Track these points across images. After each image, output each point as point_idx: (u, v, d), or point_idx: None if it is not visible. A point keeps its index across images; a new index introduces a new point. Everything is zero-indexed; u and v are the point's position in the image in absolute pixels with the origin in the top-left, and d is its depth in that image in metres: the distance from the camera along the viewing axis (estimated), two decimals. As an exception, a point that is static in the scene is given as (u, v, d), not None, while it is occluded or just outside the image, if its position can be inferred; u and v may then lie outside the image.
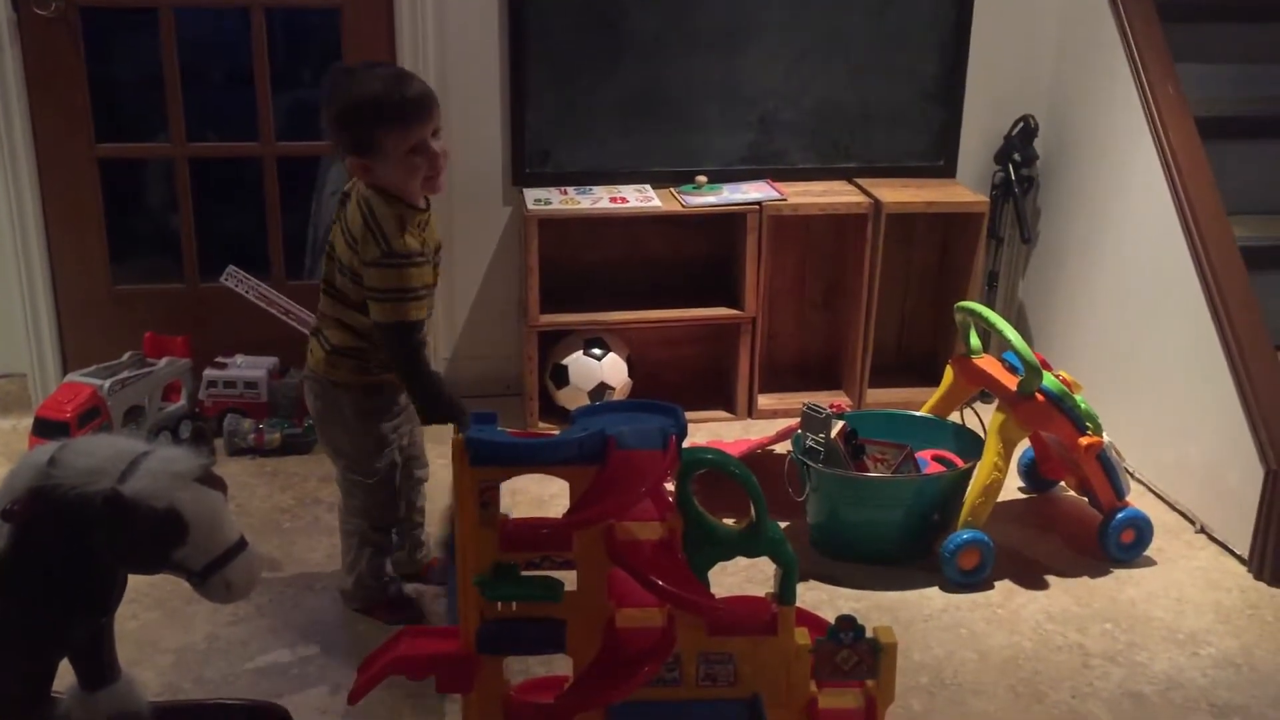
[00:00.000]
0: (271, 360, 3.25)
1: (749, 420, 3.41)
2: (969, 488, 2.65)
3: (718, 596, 1.79)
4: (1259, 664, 2.35)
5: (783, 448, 2.88)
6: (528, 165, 3.37)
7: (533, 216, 3.17)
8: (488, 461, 1.70)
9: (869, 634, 1.79)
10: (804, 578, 2.61)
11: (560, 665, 1.94)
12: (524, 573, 1.78)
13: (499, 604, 1.78)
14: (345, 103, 2.13)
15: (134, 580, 1.93)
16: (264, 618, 2.42)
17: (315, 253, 3.78)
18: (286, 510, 2.86)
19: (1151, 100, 2.97)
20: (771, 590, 1.82)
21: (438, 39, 3.23)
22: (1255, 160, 3.07)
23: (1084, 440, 2.64)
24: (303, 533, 2.76)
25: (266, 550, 2.61)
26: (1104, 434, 2.68)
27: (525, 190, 3.31)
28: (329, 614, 2.44)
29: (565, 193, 3.31)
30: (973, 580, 2.60)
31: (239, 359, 3.24)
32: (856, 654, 1.79)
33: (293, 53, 3.87)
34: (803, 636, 1.80)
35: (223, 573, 1.75)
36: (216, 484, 1.78)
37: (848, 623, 1.79)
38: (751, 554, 1.80)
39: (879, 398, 3.42)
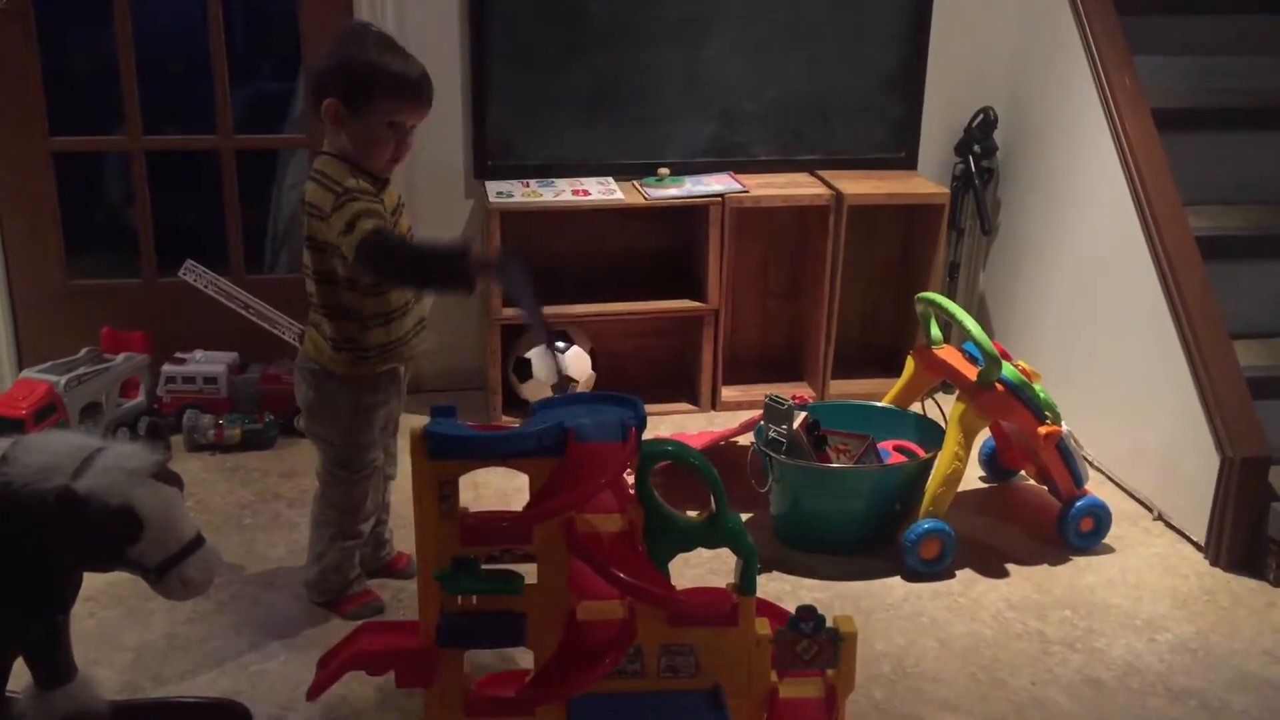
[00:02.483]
0: (231, 355, 3.22)
1: (712, 412, 3.41)
2: (930, 477, 2.67)
3: (679, 588, 1.79)
4: (1214, 648, 2.38)
5: (746, 439, 2.89)
6: (490, 158, 3.35)
7: (495, 209, 3.16)
8: (447, 455, 1.70)
9: (829, 624, 1.81)
10: (767, 568, 2.62)
11: (524, 659, 1.94)
12: (485, 566, 1.78)
13: (459, 598, 1.78)
14: (357, 53, 2.16)
15: (91, 578, 1.91)
16: (224, 614, 2.40)
17: (275, 246, 3.75)
18: (247, 506, 2.84)
19: (1108, 92, 2.99)
20: (732, 581, 1.82)
21: (398, 31, 3.19)
22: (1210, 151, 3.10)
23: (1042, 429, 2.66)
24: (263, 529, 2.73)
25: (226, 547, 2.59)
26: (1062, 423, 2.70)
27: (487, 183, 3.30)
28: (289, 610, 2.42)
29: (528, 185, 3.30)
30: (934, 569, 2.62)
31: (198, 354, 3.21)
32: (817, 644, 1.81)
33: (251, 45, 3.84)
34: (763, 627, 1.81)
35: (179, 569, 1.73)
36: (172, 480, 1.76)
37: (808, 613, 1.80)
38: (711, 545, 1.81)
39: (842, 389, 3.44)
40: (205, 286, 3.14)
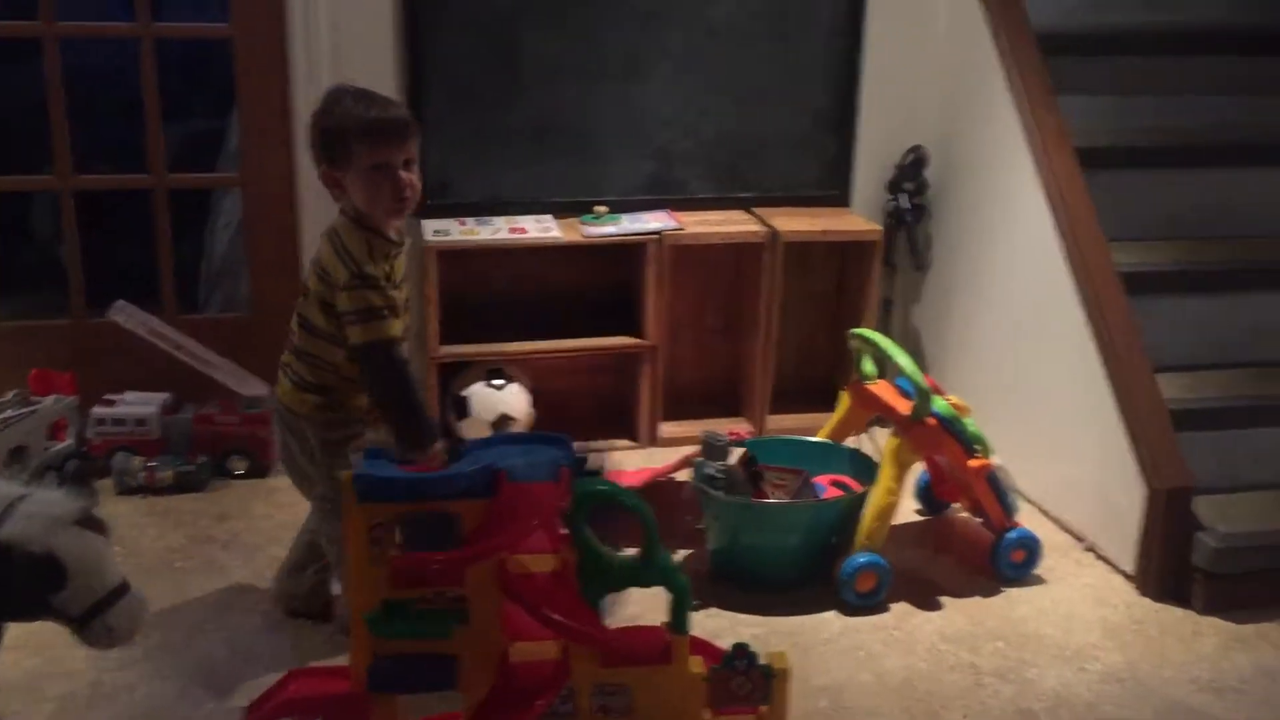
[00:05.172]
0: (164, 396, 3.18)
1: (652, 449, 3.42)
2: (864, 511, 2.69)
3: (615, 627, 1.79)
4: (1143, 678, 2.42)
5: (684, 475, 2.90)
6: (427, 196, 3.32)
7: (431, 248, 3.16)
8: (376, 498, 1.69)
9: (763, 660, 1.81)
10: (705, 605, 2.63)
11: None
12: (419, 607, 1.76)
13: (391, 641, 1.77)
14: (328, 113, 2.22)
15: (14, 626, 1.86)
16: (152, 661, 2.35)
17: (209, 286, 3.72)
18: (178, 550, 2.79)
19: (1034, 131, 3.06)
20: (666, 620, 1.82)
21: (333, 69, 3.20)
22: (1132, 189, 3.18)
23: (973, 462, 2.70)
24: (196, 573, 2.69)
25: (156, 592, 2.54)
26: (993, 456, 2.75)
27: (424, 221, 3.29)
28: (220, 656, 2.38)
29: (464, 223, 3.30)
30: (870, 602, 2.64)
31: (129, 395, 3.16)
32: (751, 681, 1.81)
33: (184, 83, 3.81)
34: (697, 665, 1.81)
35: (103, 618, 1.70)
36: (97, 526, 1.73)
37: (742, 650, 1.81)
38: (644, 584, 1.81)
39: (780, 424, 3.46)
40: (136, 327, 3.10)
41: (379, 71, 3.24)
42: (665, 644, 1.78)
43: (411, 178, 2.23)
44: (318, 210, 3.29)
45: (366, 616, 1.71)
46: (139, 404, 3.13)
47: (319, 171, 2.25)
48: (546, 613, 1.68)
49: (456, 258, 3.23)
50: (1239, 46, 3.53)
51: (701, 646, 1.88)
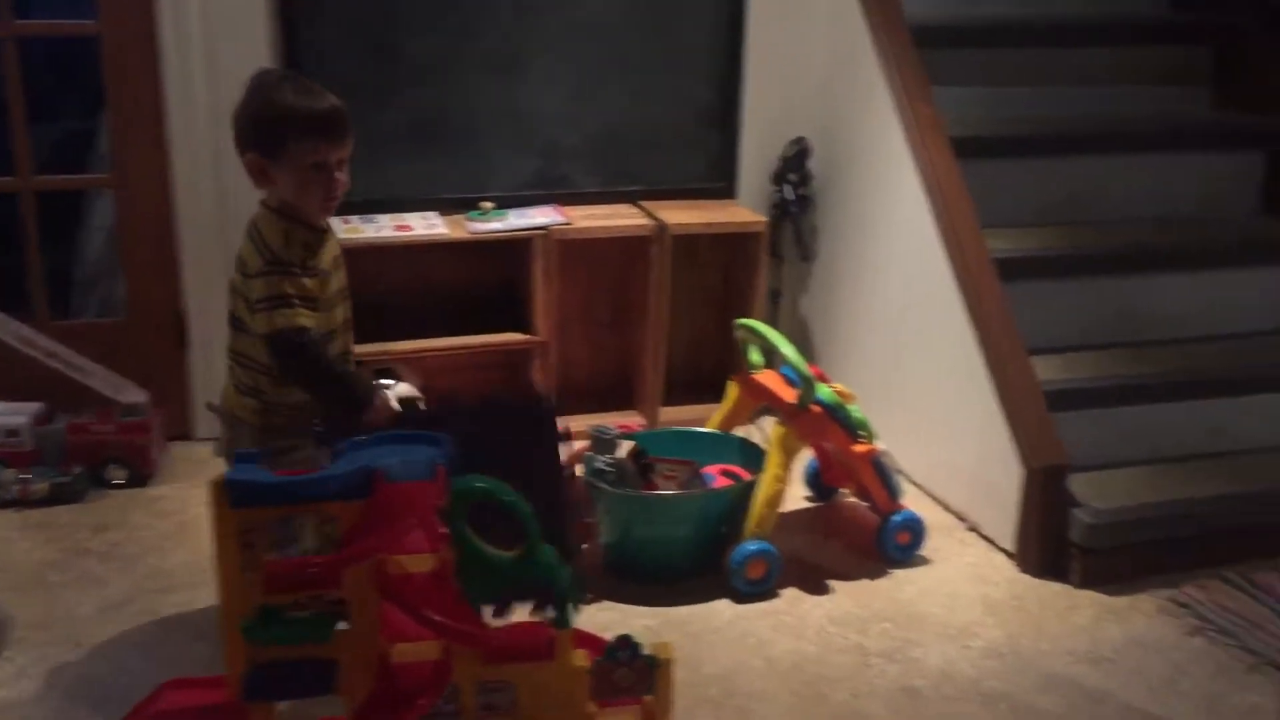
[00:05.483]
0: (36, 406, 3.07)
1: (545, 444, 3.41)
2: (753, 500, 2.72)
3: (501, 624, 1.79)
4: (1023, 652, 2.49)
5: (577, 470, 2.90)
6: (309, 195, 3.29)
7: (313, 247, 3.10)
8: (249, 503, 1.66)
9: (646, 651, 1.82)
10: (598, 599, 2.63)
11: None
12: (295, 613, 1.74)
13: (268, 647, 1.74)
14: (265, 100, 2.14)
15: None
16: (26, 680, 2.27)
17: (83, 290, 3.60)
18: (53, 564, 2.70)
19: (910, 121, 3.13)
20: (550, 615, 1.82)
21: (206, 66, 3.13)
22: (1005, 177, 3.27)
23: (858, 448, 2.75)
24: (71, 587, 2.61)
25: (29, 608, 2.47)
26: (877, 441, 2.80)
27: (306, 220, 3.24)
28: (96, 672, 2.31)
29: (348, 221, 3.25)
30: (760, 590, 2.67)
31: (-1, 406, 3.05)
32: (635, 672, 1.82)
33: (51, 82, 3.68)
34: (581, 658, 1.81)
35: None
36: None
37: (624, 642, 1.81)
38: (527, 580, 1.81)
39: (673, 416, 3.48)
40: (5, 335, 2.99)
41: (254, 68, 3.16)
42: (548, 639, 1.78)
43: (343, 177, 2.20)
44: (195, 210, 3.23)
45: (242, 624, 1.68)
46: (10, 414, 3.02)
47: (244, 158, 2.16)
48: (426, 613, 1.67)
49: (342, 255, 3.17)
50: (1105, 38, 3.65)
51: (586, 640, 1.89)
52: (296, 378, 2.17)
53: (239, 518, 1.66)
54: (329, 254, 2.24)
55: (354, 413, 2.13)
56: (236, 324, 2.24)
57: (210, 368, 3.34)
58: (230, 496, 1.65)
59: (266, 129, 2.13)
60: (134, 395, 3.08)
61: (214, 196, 3.22)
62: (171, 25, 3.10)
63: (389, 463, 1.70)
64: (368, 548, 1.68)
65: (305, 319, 2.13)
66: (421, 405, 2.30)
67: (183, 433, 3.33)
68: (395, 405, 2.19)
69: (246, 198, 3.19)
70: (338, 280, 2.27)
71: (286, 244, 2.14)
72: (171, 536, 2.83)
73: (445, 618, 1.69)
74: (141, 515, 2.93)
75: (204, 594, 2.47)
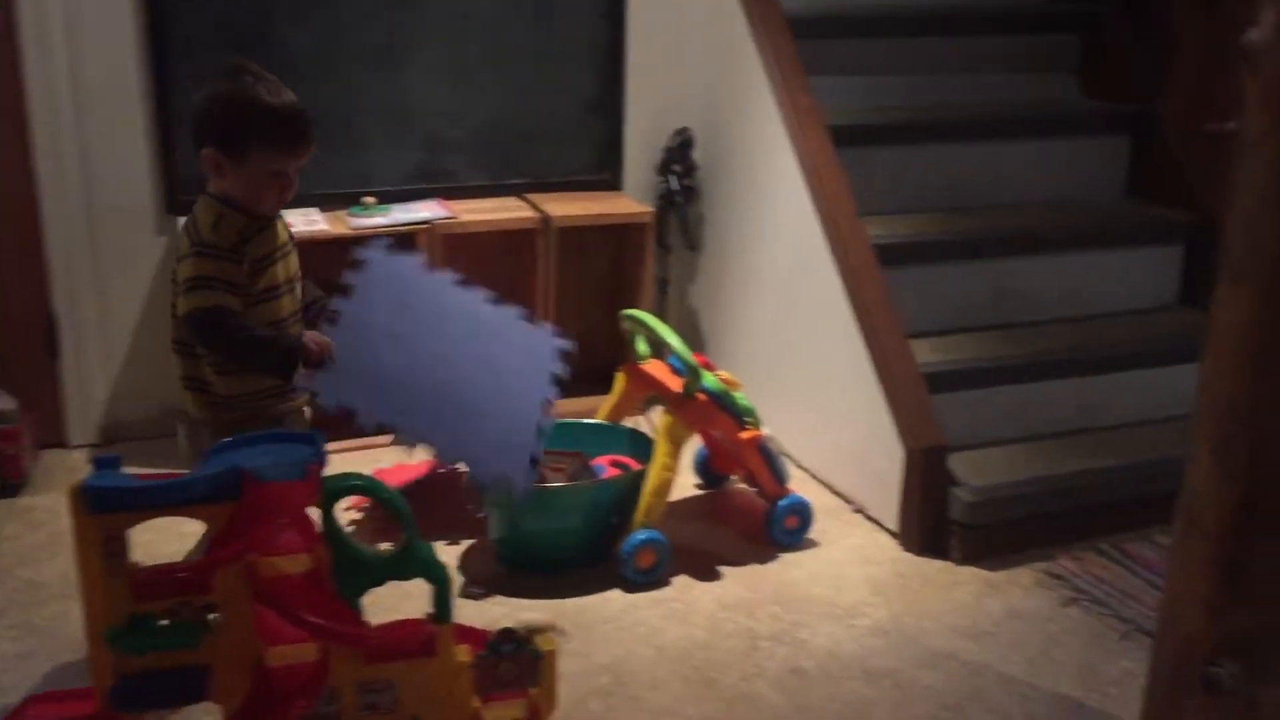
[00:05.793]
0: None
1: (435, 440, 3.38)
2: (642, 489, 2.73)
3: (388, 621, 1.77)
4: (906, 628, 2.55)
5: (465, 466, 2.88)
6: (182, 192, 3.21)
7: (188, 246, 3.03)
8: (108, 509, 1.61)
9: (530, 643, 1.82)
10: (489, 593, 2.62)
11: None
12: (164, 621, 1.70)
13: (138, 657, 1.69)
14: (235, 103, 2.08)
15: None
16: (-113, 702, 2.18)
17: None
18: (-81, 579, 2.60)
19: (789, 110, 3.17)
20: (429, 611, 1.81)
21: (69, 61, 3.03)
22: (881, 164, 3.33)
23: (744, 435, 2.78)
24: (-61, 601, 2.52)
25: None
26: (763, 427, 2.83)
27: (179, 218, 3.15)
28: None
29: (225, 220, 3.18)
30: (651, 578, 2.68)
31: None
32: (518, 665, 1.82)
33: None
34: (464, 654, 1.80)
35: None
36: None
37: (507, 635, 1.81)
38: (403, 576, 1.79)
39: (566, 407, 3.43)
40: None
41: (120, 64, 3.09)
42: (428, 636, 1.77)
43: (294, 178, 2.18)
44: (62, 211, 3.12)
45: (106, 633, 1.63)
46: None
47: (202, 151, 2.10)
48: (301, 614, 1.64)
49: (217, 255, 3.10)
50: (977, 28, 3.73)
51: (468, 634, 1.88)
52: (221, 351, 2.11)
53: (100, 524, 1.61)
54: (270, 243, 2.18)
55: (291, 364, 2.08)
56: (175, 312, 2.17)
57: (82, 372, 3.25)
58: (89, 503, 1.60)
59: (232, 132, 2.09)
60: (2, 402, 2.97)
61: (82, 196, 3.14)
62: (32, 21, 3.00)
63: (259, 463, 1.67)
64: (237, 550, 1.65)
65: (227, 301, 2.08)
66: (329, 303, 2.24)
67: (56, 440, 3.23)
68: (321, 335, 2.12)
69: (107, 198, 3.13)
70: (284, 270, 2.21)
71: (216, 228, 2.10)
72: (44, 547, 2.74)
73: (321, 618, 1.67)
74: (12, 526, 2.83)
75: (79, 606, 2.38)
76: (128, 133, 3.15)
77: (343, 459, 2.84)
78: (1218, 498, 1.62)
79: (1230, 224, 1.59)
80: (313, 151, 2.18)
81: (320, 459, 1.72)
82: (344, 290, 2.22)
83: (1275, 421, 1.55)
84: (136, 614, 1.66)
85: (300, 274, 2.29)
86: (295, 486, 1.67)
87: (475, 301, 2.50)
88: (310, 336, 2.13)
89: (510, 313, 2.54)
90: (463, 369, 2.37)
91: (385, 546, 1.85)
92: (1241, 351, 1.58)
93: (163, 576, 1.69)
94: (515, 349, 2.50)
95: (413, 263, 2.46)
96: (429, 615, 1.80)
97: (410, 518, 1.75)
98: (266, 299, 2.16)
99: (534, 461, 2.41)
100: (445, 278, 2.49)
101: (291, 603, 1.66)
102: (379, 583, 1.82)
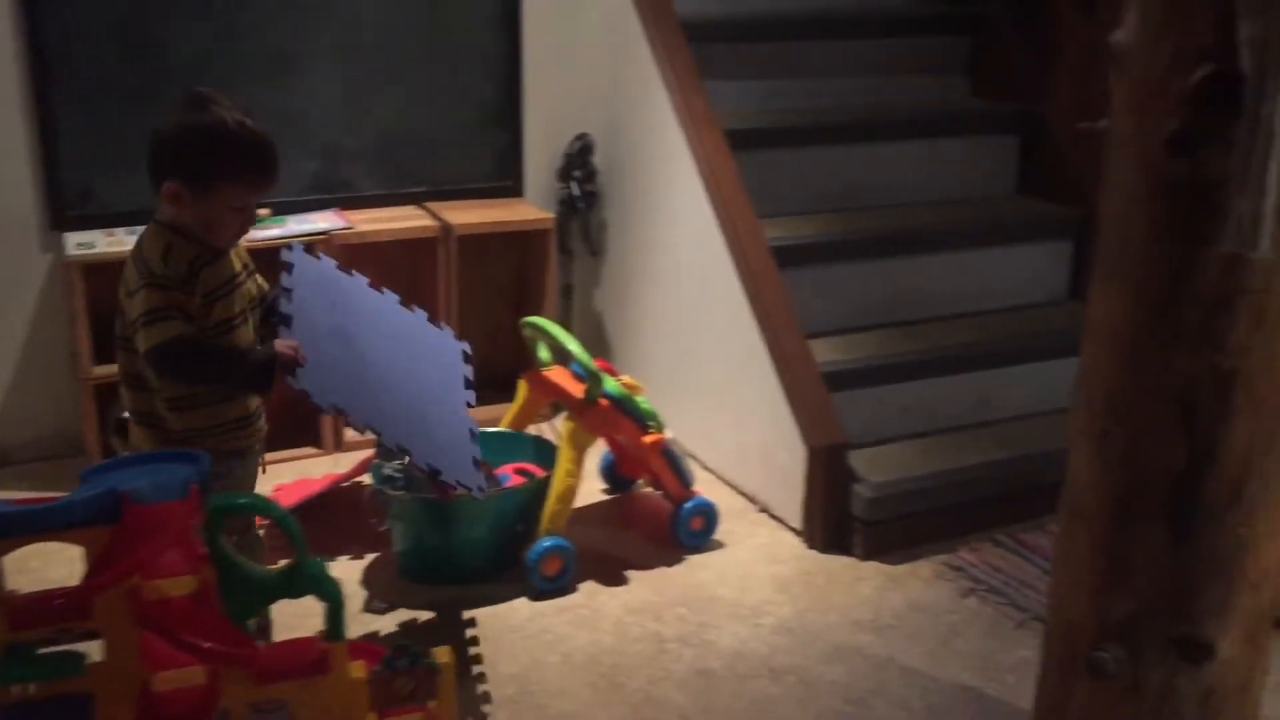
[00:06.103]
0: None
1: (338, 454, 3.33)
2: (547, 496, 2.72)
3: (282, 640, 1.73)
4: (810, 625, 2.58)
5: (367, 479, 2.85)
6: (67, 207, 3.13)
7: (73, 263, 2.95)
8: (-19, 536, 1.56)
9: (426, 657, 1.80)
10: (393, 607, 2.60)
11: None
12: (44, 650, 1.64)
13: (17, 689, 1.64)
14: (206, 138, 1.99)
15: None
16: None
17: None
18: None
19: (685, 115, 3.18)
20: (322, 629, 1.78)
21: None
22: (778, 166, 3.37)
23: (647, 438, 2.79)
24: None
25: None
26: (666, 430, 2.84)
27: (66, 234, 3.08)
28: None
29: (112, 234, 3.10)
30: (557, 585, 2.68)
31: None
32: (415, 679, 1.79)
33: None
34: (358, 670, 1.77)
35: None
36: None
37: (402, 650, 1.78)
38: (293, 594, 1.76)
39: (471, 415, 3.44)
40: None
41: (-2, 74, 3.00)
42: (321, 653, 1.73)
43: (255, 214, 2.11)
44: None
45: (-18, 665, 1.58)
46: None
47: (162, 184, 1.99)
48: (186, 638, 1.60)
49: (106, 271, 3.00)
50: (869, 31, 3.79)
51: (363, 650, 1.85)
52: (194, 379, 2.04)
53: (-30, 553, 1.56)
54: (223, 274, 2.06)
55: (268, 375, 2.02)
56: (124, 345, 2.08)
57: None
58: (-40, 531, 1.54)
59: (200, 168, 1.99)
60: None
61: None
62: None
63: (137, 484, 1.62)
64: (116, 574, 1.60)
65: (187, 329, 1.99)
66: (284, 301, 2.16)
67: (-60, 467, 3.13)
68: (289, 340, 2.06)
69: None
70: (240, 300, 2.09)
71: (165, 259, 1.99)
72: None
73: (209, 640, 1.63)
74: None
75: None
76: (6, 146, 3.05)
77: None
78: (1097, 488, 1.67)
79: (1102, 223, 1.64)
80: (276, 185, 2.11)
81: (203, 478, 1.68)
82: (281, 293, 2.16)
83: (1150, 413, 1.60)
84: (14, 644, 1.61)
85: (264, 294, 2.19)
86: (177, 506, 1.63)
87: (388, 304, 2.47)
88: (280, 344, 2.06)
89: (419, 316, 2.51)
90: (396, 371, 2.34)
91: (283, 564, 1.81)
92: (1115, 346, 1.62)
93: (40, 604, 1.64)
94: (431, 351, 2.47)
95: (330, 265, 2.41)
96: (321, 633, 1.76)
97: (300, 535, 1.72)
98: (223, 331, 2.05)
99: (476, 463, 2.38)
100: (360, 280, 2.45)
101: (176, 626, 1.62)
102: (269, 602, 1.78)
